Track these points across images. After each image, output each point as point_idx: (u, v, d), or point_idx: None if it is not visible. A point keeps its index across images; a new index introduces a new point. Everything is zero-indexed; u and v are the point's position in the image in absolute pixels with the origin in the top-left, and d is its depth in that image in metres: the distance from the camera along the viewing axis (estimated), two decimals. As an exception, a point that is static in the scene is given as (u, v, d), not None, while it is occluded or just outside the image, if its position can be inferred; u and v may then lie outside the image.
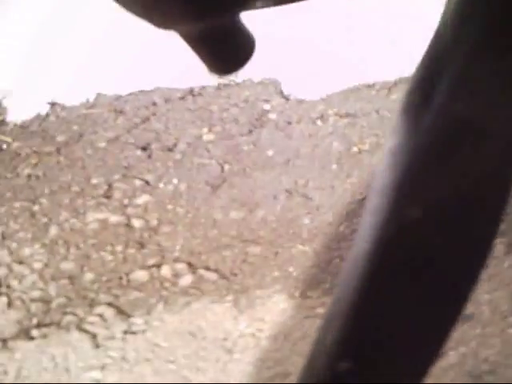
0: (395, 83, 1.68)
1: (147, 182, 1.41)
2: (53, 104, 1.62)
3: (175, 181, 1.40)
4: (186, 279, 1.19)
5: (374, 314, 0.34)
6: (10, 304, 1.15)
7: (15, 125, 1.57)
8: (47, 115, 1.59)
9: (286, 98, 1.61)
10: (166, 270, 1.20)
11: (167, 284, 1.18)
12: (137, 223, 1.30)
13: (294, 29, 1.71)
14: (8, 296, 1.17)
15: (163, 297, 1.16)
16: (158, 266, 1.21)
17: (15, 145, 1.51)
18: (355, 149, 1.48)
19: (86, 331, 1.11)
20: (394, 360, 0.35)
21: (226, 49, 0.40)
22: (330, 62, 1.65)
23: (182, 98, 1.62)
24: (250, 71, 1.65)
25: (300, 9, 1.61)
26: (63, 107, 1.61)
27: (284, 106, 1.59)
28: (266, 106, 1.58)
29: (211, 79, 1.58)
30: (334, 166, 1.44)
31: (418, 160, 0.32)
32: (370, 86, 1.67)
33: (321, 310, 1.12)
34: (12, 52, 1.70)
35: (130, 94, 1.63)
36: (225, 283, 1.18)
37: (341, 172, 1.42)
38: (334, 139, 1.52)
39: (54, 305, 1.15)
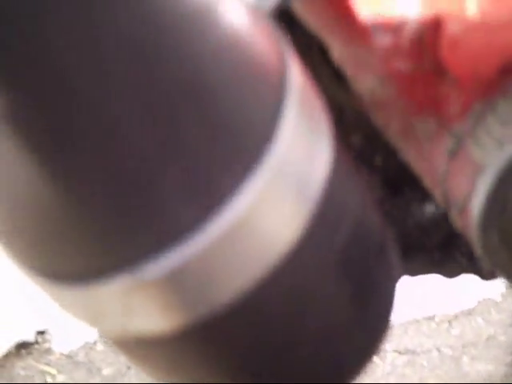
0: (456, 316, 1.62)
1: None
2: (101, 331, 1.58)
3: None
4: None
5: None
6: None
7: (61, 354, 1.54)
8: (95, 343, 1.56)
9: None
10: None
11: None
12: None
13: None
14: None
15: None
16: None
17: (60, 377, 1.47)
18: (415, 393, 1.40)
19: None
20: None
21: None
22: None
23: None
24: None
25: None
26: (112, 333, 1.57)
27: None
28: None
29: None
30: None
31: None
32: (430, 319, 1.61)
33: None
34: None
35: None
36: None
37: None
38: (393, 380, 1.44)
39: None
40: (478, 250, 0.45)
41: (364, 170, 0.65)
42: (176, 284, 0.29)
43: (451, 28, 0.41)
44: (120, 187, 0.28)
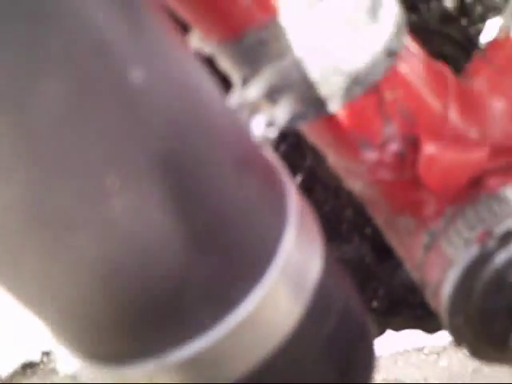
0: (444, 348, 1.69)
1: None
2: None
3: None
4: None
5: None
6: None
7: (66, 375, 1.59)
8: (99, 365, 1.62)
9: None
10: None
11: None
12: None
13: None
14: None
15: None
16: None
17: (64, 397, 1.54)
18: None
19: None
20: None
21: None
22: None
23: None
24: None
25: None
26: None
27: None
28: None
29: None
30: None
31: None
32: (419, 350, 1.68)
33: None
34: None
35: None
36: None
37: None
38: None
39: None
40: (446, 328, 0.53)
41: (356, 239, 0.73)
42: (192, 368, 0.37)
43: (427, 149, 0.49)
44: (157, 297, 0.36)
